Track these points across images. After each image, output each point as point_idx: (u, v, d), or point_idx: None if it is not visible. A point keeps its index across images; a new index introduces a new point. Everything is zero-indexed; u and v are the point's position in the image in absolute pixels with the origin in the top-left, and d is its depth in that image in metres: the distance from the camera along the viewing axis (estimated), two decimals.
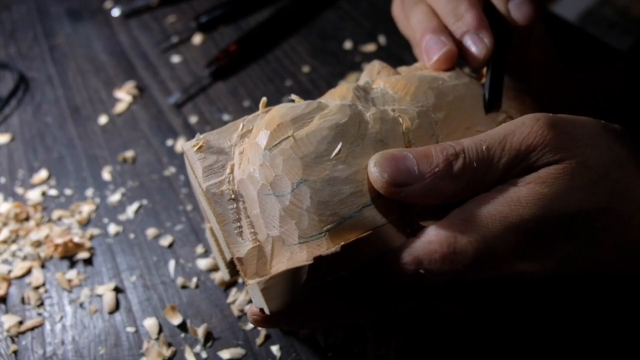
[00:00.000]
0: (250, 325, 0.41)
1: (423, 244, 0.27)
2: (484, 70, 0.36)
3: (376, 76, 0.36)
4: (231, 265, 0.37)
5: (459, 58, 0.36)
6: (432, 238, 0.27)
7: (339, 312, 0.30)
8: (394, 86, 0.33)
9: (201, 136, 0.31)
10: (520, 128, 0.28)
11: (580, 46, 0.52)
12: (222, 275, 0.40)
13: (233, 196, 0.30)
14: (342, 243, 0.27)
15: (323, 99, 0.33)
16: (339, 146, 0.29)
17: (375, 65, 0.36)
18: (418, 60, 0.38)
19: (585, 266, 0.28)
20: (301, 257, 0.28)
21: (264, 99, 0.33)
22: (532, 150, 0.27)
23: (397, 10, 0.43)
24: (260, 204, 0.29)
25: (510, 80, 0.37)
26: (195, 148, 0.31)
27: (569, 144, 0.27)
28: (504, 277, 0.28)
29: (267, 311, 0.28)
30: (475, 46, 0.35)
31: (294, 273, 0.27)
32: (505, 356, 0.37)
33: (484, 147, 0.27)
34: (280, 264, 0.29)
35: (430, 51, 0.35)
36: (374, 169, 0.28)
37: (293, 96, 0.33)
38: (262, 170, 0.29)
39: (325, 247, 0.28)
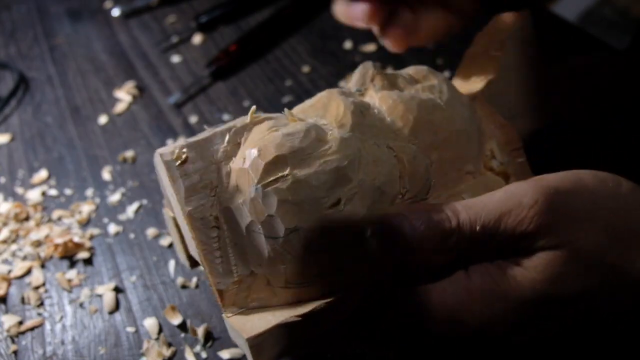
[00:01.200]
0: None
1: (425, 306, 0.28)
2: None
3: (369, 84, 0.34)
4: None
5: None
6: (438, 307, 0.28)
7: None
8: (391, 111, 0.31)
9: (181, 144, 0.28)
10: (517, 209, 0.27)
11: (579, 46, 0.52)
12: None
13: (215, 224, 0.28)
14: (331, 299, 0.27)
15: (314, 111, 0.31)
16: (337, 196, 0.27)
17: (369, 70, 0.34)
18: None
19: (579, 332, 0.30)
20: (285, 297, 0.28)
21: (252, 108, 0.31)
22: (526, 236, 0.27)
23: None
24: (247, 241, 0.28)
25: (492, 101, 0.37)
26: (178, 162, 0.28)
27: (566, 229, 0.27)
28: (499, 344, 0.30)
29: None
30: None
31: (281, 328, 0.26)
32: (505, 354, 0.37)
33: (477, 227, 0.27)
34: (261, 301, 0.28)
35: (353, 14, 0.38)
36: (369, 240, 0.28)
37: (286, 112, 0.30)
38: (253, 206, 0.27)
39: (314, 293, 0.27)
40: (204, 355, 0.40)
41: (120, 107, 0.61)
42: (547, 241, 0.27)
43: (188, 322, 0.42)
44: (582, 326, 0.29)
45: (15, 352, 0.42)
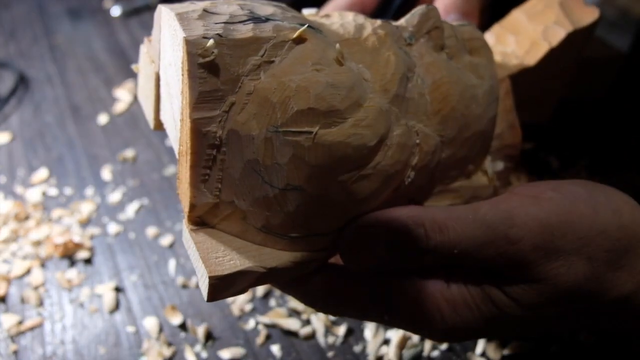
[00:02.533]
0: (250, 325, 0.41)
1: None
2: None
3: (425, 35, 0.30)
4: (157, 120, 0.33)
5: None
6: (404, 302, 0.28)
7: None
8: (434, 89, 0.29)
9: (214, 37, 0.23)
10: (499, 241, 0.26)
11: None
12: (147, 117, 0.35)
13: (217, 142, 0.25)
14: (297, 259, 0.27)
15: (362, 49, 0.27)
16: (352, 172, 0.25)
17: (431, 20, 0.30)
18: None
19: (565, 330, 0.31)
20: (253, 238, 0.26)
21: (303, 28, 0.25)
22: (503, 269, 0.27)
23: None
24: (242, 174, 0.25)
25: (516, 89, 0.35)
26: (203, 60, 0.23)
27: (544, 266, 0.26)
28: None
29: (204, 295, 0.26)
30: None
31: (243, 274, 0.25)
32: (505, 355, 0.38)
33: (455, 251, 0.26)
34: (230, 229, 0.27)
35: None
36: (342, 245, 0.28)
37: (337, 47, 0.26)
38: (264, 146, 0.24)
39: (281, 247, 0.27)
40: (204, 355, 0.40)
41: (120, 106, 0.61)
42: (524, 274, 0.26)
43: (188, 322, 0.42)
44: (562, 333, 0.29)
45: (15, 352, 0.42)
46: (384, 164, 0.26)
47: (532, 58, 0.35)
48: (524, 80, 0.35)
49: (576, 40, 0.36)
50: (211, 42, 0.23)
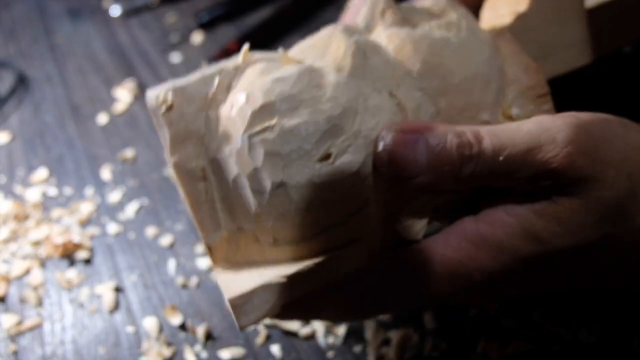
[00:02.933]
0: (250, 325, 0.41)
1: (426, 262, 0.27)
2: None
3: (379, 19, 0.30)
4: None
5: None
6: (436, 258, 0.27)
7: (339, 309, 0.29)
8: (398, 52, 0.28)
9: (168, 89, 0.26)
10: (549, 145, 0.25)
11: None
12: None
13: (203, 175, 0.26)
14: (317, 260, 0.25)
15: (312, 52, 0.29)
16: (326, 147, 0.25)
17: (379, 3, 0.31)
18: None
19: (592, 284, 0.29)
20: (272, 256, 0.26)
21: (245, 47, 0.28)
22: (553, 175, 0.25)
23: None
24: (233, 192, 0.26)
25: (529, 40, 0.33)
26: (163, 109, 0.26)
27: (591, 176, 0.26)
28: (505, 293, 0.28)
29: (236, 324, 0.25)
30: None
31: (265, 289, 0.24)
32: (506, 355, 0.37)
33: (501, 158, 0.25)
34: (251, 256, 0.26)
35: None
36: (382, 154, 0.25)
37: (280, 52, 0.28)
38: (240, 158, 0.25)
39: (299, 255, 0.25)
40: (204, 355, 0.40)
41: (120, 106, 0.61)
42: (572, 186, 0.25)
43: (188, 322, 0.42)
44: (595, 278, 0.28)
45: (14, 352, 0.42)
46: (361, 130, 0.25)
47: (525, 2, 0.33)
48: (528, 27, 0.33)
49: None
50: (165, 92, 0.26)
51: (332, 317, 0.31)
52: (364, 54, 0.27)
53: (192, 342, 0.41)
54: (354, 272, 0.27)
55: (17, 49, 0.71)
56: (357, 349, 0.39)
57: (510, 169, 0.25)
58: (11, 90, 0.64)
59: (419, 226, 0.27)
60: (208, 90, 0.26)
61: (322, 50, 0.28)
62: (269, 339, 0.40)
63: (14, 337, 0.42)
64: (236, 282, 0.25)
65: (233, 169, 0.25)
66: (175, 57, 0.66)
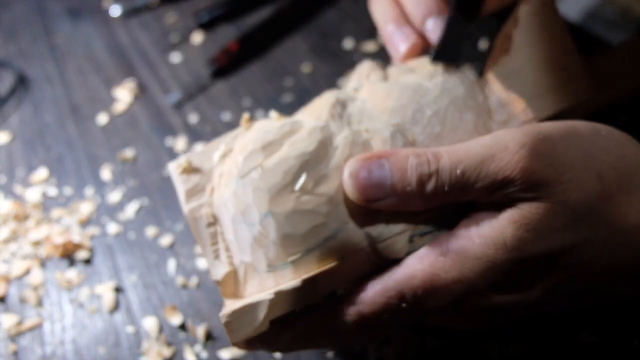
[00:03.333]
0: None
1: (406, 279, 0.27)
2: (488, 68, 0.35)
3: (365, 80, 0.35)
4: None
5: (424, 47, 0.36)
6: (417, 273, 0.27)
7: (319, 342, 0.30)
8: (374, 99, 0.32)
9: (184, 157, 0.33)
10: (501, 154, 0.26)
11: (580, 45, 0.52)
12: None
13: (211, 220, 0.31)
14: (304, 277, 0.28)
15: (304, 112, 0.33)
16: (303, 178, 0.28)
17: (365, 67, 0.36)
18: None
19: (571, 292, 0.28)
20: (269, 284, 0.29)
21: (245, 116, 0.33)
22: (509, 182, 0.25)
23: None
24: (234, 230, 0.30)
25: (509, 79, 0.35)
26: (179, 170, 0.32)
27: (552, 179, 0.25)
28: (487, 306, 0.28)
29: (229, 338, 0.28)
30: (437, 29, 0.34)
31: (255, 307, 0.27)
32: (506, 355, 0.37)
33: (458, 172, 0.26)
34: (252, 288, 0.30)
35: (394, 45, 0.35)
36: (348, 181, 0.28)
37: (272, 113, 0.33)
38: (235, 198, 0.30)
39: (290, 278, 0.28)
40: (204, 355, 0.40)
41: (120, 106, 0.61)
42: (532, 191, 0.25)
43: (188, 322, 0.42)
44: (575, 284, 0.28)
45: (14, 352, 0.42)
46: (337, 162, 0.29)
47: (507, 49, 0.36)
48: (514, 70, 0.35)
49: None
50: (182, 157, 0.33)
51: (320, 346, 0.32)
52: (343, 104, 0.32)
53: (192, 342, 0.41)
54: (343, 290, 0.29)
55: (17, 49, 0.71)
56: (357, 349, 0.39)
57: (468, 181, 0.26)
58: (11, 90, 0.64)
59: (399, 245, 0.29)
60: (216, 152, 0.33)
61: (311, 108, 0.33)
62: None
63: (14, 337, 0.42)
64: (232, 305, 0.28)
65: (230, 209, 0.30)
66: (175, 57, 0.66)
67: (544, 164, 0.25)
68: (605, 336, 0.37)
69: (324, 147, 0.29)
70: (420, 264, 0.27)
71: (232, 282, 0.30)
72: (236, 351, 0.40)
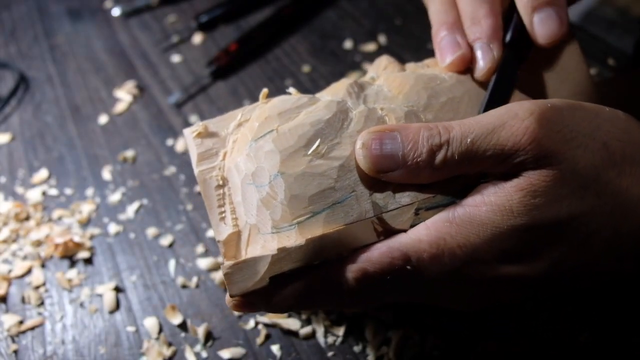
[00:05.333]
0: (250, 325, 0.41)
1: (413, 242, 0.28)
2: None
3: (382, 72, 0.36)
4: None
5: (471, 62, 0.34)
6: (423, 237, 0.28)
7: (319, 301, 0.30)
8: (390, 84, 0.33)
9: (201, 123, 0.33)
10: (511, 121, 0.26)
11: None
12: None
13: (221, 182, 0.31)
14: (308, 237, 0.28)
15: (321, 94, 0.34)
16: (317, 143, 0.29)
17: (383, 60, 0.37)
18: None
19: (576, 266, 0.28)
20: (272, 246, 0.29)
21: (264, 90, 0.34)
22: (519, 149, 0.26)
23: None
24: (242, 192, 0.30)
25: (523, 96, 0.35)
26: (195, 134, 0.32)
27: (560, 145, 0.26)
28: (491, 278, 0.28)
29: (228, 294, 0.29)
30: (482, 57, 0.33)
31: (257, 261, 0.28)
32: (506, 354, 0.38)
33: (469, 140, 0.26)
34: (255, 250, 0.30)
35: (444, 51, 0.34)
36: (360, 151, 0.28)
37: (291, 89, 0.33)
38: (247, 161, 0.30)
39: (294, 239, 0.28)
40: (204, 354, 0.40)
41: (120, 107, 0.61)
42: (542, 159, 0.26)
43: (188, 322, 0.42)
44: (580, 257, 0.28)
45: (15, 352, 0.42)
46: (350, 132, 0.30)
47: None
48: (532, 80, 0.36)
49: None
50: (198, 123, 0.33)
51: (318, 306, 0.32)
52: (361, 85, 0.33)
53: (192, 342, 0.41)
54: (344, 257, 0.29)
55: (17, 49, 0.71)
56: (357, 348, 0.39)
57: (478, 150, 0.26)
58: (12, 90, 0.64)
59: (405, 217, 0.29)
60: (232, 121, 0.33)
61: (329, 89, 0.34)
62: (268, 339, 0.40)
63: (15, 337, 0.43)
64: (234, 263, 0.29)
65: (241, 171, 0.30)
66: (175, 58, 0.66)
67: (552, 129, 0.26)
68: (605, 336, 0.37)
69: (339, 118, 0.30)
70: (426, 229, 0.28)
71: (235, 244, 0.31)
72: (236, 351, 0.40)
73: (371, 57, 0.62)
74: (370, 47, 0.63)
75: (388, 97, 0.32)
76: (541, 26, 0.32)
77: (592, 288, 0.35)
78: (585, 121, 0.27)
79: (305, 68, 0.62)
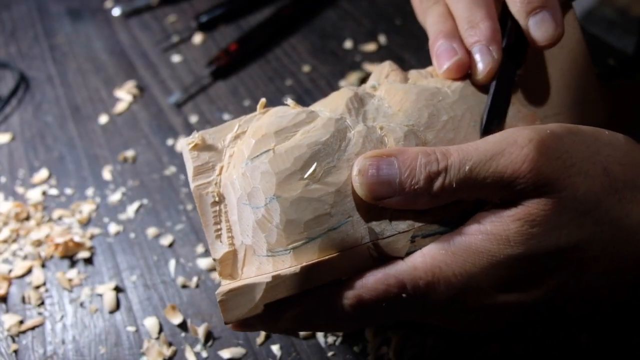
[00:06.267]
0: None
1: (409, 269, 0.27)
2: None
3: (383, 80, 0.35)
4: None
5: (469, 68, 0.34)
6: (419, 265, 0.27)
7: (316, 324, 0.30)
8: (391, 98, 0.32)
9: (198, 134, 0.32)
10: (510, 148, 0.26)
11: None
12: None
13: (217, 199, 0.31)
14: (303, 264, 0.28)
15: (320, 104, 0.33)
16: (313, 167, 0.28)
17: (385, 67, 0.36)
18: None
19: (574, 293, 0.28)
20: (268, 269, 0.29)
21: (262, 100, 0.33)
22: (518, 177, 0.25)
23: (416, 2, 0.42)
24: (238, 212, 0.30)
25: (524, 96, 0.35)
26: (191, 146, 0.32)
27: (560, 173, 0.25)
28: (488, 305, 0.28)
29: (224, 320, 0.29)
30: (481, 59, 0.33)
31: (251, 288, 0.28)
32: (507, 355, 0.38)
33: (467, 167, 0.26)
34: (250, 271, 0.30)
35: (440, 58, 0.34)
36: (356, 178, 0.27)
37: (289, 101, 0.32)
38: (243, 180, 0.30)
39: (289, 264, 0.28)
40: (204, 354, 0.40)
41: (120, 107, 0.61)
42: (541, 187, 0.25)
43: (188, 322, 0.42)
44: (579, 284, 0.27)
45: (15, 351, 0.42)
46: (348, 155, 0.29)
47: (526, 64, 0.35)
48: (531, 87, 0.35)
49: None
50: (195, 134, 0.32)
51: (314, 329, 0.32)
52: (361, 100, 0.32)
53: (193, 342, 0.41)
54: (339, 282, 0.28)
55: (17, 49, 0.71)
56: (357, 348, 0.39)
57: (477, 177, 0.26)
58: (12, 90, 0.64)
59: (401, 244, 0.29)
60: (229, 133, 0.32)
61: (327, 101, 0.33)
62: (268, 339, 0.40)
63: (15, 337, 0.43)
64: (228, 285, 0.28)
65: (238, 190, 0.30)
66: (176, 58, 0.66)
67: (552, 157, 0.26)
68: (605, 336, 0.37)
69: (337, 139, 0.29)
70: (422, 257, 0.28)
71: (231, 263, 0.30)
72: (236, 351, 0.40)
73: (371, 57, 0.62)
74: (370, 47, 0.63)
75: (388, 114, 0.32)
76: (537, 29, 0.32)
77: (589, 315, 0.35)
78: (585, 146, 0.27)
79: (305, 68, 0.62)
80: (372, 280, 0.28)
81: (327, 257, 0.28)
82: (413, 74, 0.36)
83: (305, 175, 0.28)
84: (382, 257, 0.29)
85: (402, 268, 0.28)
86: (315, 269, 0.28)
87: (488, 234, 0.26)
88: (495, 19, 0.34)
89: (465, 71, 0.34)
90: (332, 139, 0.29)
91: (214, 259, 0.30)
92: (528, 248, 0.26)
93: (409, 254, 0.28)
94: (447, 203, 0.28)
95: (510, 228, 0.26)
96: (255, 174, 0.29)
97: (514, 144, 0.26)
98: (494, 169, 0.26)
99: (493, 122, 0.32)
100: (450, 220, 0.29)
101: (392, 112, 0.32)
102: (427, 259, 0.27)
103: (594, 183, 0.26)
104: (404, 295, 0.27)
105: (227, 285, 0.28)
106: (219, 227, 0.31)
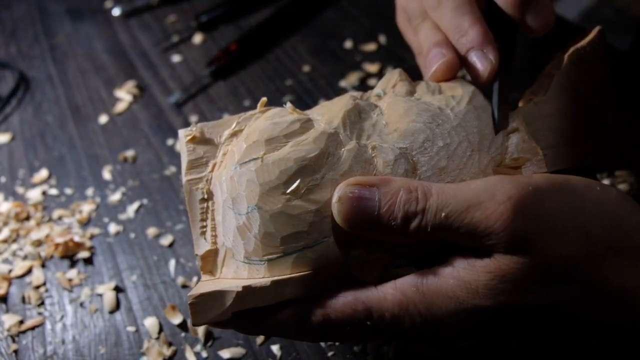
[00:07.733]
0: None
1: (378, 299, 0.27)
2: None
3: (390, 89, 0.34)
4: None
5: (460, 68, 0.34)
6: (389, 297, 0.27)
7: (284, 334, 0.30)
8: (390, 114, 0.32)
9: (197, 126, 0.32)
10: (487, 202, 0.25)
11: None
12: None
13: (206, 196, 0.31)
14: (274, 278, 0.28)
15: (320, 110, 0.33)
16: (297, 183, 0.28)
17: (395, 75, 0.35)
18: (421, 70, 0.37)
19: (541, 348, 0.28)
20: (243, 274, 0.29)
21: (263, 99, 0.33)
22: (490, 233, 0.25)
23: (402, 22, 0.42)
24: (222, 213, 0.30)
25: (535, 123, 0.33)
26: (188, 138, 0.32)
27: (535, 234, 0.25)
28: (448, 343, 0.29)
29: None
30: (480, 63, 0.33)
31: (222, 295, 0.28)
32: (504, 355, 0.38)
33: (443, 214, 0.26)
34: (228, 273, 0.30)
35: (430, 63, 0.34)
36: (335, 205, 0.27)
37: (288, 104, 0.32)
38: (230, 183, 0.30)
39: (262, 275, 0.29)
40: (204, 354, 0.40)
41: (120, 107, 0.61)
42: (513, 245, 0.25)
43: (188, 322, 0.42)
44: (547, 342, 0.27)
45: (15, 351, 0.42)
46: (333, 175, 0.29)
47: (544, 90, 0.34)
48: (545, 114, 0.33)
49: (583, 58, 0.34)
50: (193, 126, 0.32)
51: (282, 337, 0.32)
52: (359, 114, 0.32)
53: (193, 342, 0.41)
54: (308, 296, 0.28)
55: (17, 49, 0.71)
56: (357, 348, 0.39)
57: (452, 226, 0.26)
58: (12, 90, 0.64)
59: (374, 272, 0.29)
60: (227, 129, 0.32)
61: (327, 108, 0.33)
62: (268, 339, 0.40)
63: (15, 337, 0.43)
64: (202, 288, 0.29)
65: (224, 192, 0.30)
66: (176, 58, 0.66)
67: (528, 217, 0.25)
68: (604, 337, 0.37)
69: (325, 156, 0.29)
70: (393, 289, 0.27)
71: (212, 260, 0.31)
72: (236, 351, 0.40)
73: (371, 57, 0.62)
74: (371, 46, 0.63)
75: (383, 133, 0.31)
76: (534, 20, 0.33)
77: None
78: (569, 206, 0.26)
79: (306, 68, 0.62)
80: (341, 302, 0.28)
81: (299, 274, 0.28)
82: (422, 87, 0.35)
83: (288, 191, 0.28)
84: (355, 281, 0.29)
85: (372, 295, 0.28)
86: (286, 284, 0.28)
87: (459, 280, 0.26)
88: (482, 22, 0.34)
89: (454, 72, 0.34)
90: (320, 155, 0.29)
91: (196, 255, 0.31)
92: (495, 302, 0.26)
93: (382, 281, 0.28)
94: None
95: (481, 279, 0.26)
96: (242, 180, 0.29)
97: (492, 199, 0.25)
98: (468, 220, 0.25)
99: (502, 120, 0.32)
100: (427, 254, 0.28)
101: (387, 132, 0.31)
102: (398, 293, 0.27)
103: (572, 247, 0.25)
104: (368, 323, 0.27)
105: (199, 288, 0.29)
106: (204, 224, 0.31)
